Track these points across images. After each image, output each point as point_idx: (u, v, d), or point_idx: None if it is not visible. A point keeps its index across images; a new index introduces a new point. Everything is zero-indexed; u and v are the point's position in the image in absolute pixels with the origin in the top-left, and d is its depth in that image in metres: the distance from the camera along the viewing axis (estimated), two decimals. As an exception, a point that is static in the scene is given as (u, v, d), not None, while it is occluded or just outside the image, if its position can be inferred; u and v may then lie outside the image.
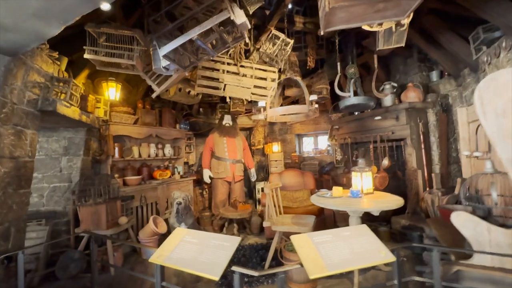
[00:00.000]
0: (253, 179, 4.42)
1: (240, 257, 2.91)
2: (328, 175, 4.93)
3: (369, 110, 3.52)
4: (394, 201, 2.23)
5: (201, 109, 5.17)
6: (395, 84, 3.28)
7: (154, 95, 2.57)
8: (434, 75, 3.32)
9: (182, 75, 2.46)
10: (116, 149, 3.48)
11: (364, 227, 1.55)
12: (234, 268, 1.33)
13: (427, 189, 2.99)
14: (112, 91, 3.00)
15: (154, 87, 2.43)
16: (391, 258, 1.34)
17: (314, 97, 2.28)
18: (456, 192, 2.70)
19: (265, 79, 3.00)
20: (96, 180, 2.87)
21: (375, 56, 2.64)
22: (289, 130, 5.62)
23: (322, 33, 1.73)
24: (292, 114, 2.47)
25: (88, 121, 2.70)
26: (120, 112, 3.41)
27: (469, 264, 1.47)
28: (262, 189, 5.12)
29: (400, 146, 3.46)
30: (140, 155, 3.87)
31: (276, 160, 5.22)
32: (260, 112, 3.42)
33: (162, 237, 3.30)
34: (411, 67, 3.48)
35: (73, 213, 2.81)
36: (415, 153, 3.03)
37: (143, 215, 3.47)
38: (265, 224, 2.77)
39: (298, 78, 2.51)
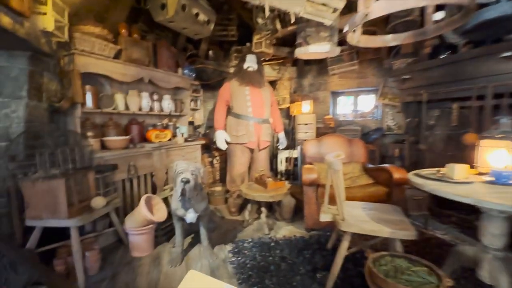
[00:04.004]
0: (282, 146, 3.33)
1: (276, 260, 1.93)
2: (373, 144, 3.84)
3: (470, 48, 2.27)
4: None
5: (210, 52, 3.88)
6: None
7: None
8: None
9: None
10: (89, 94, 2.32)
11: None
12: None
13: None
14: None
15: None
16: None
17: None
18: None
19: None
20: (50, 140, 1.76)
21: None
22: (323, 86, 4.38)
23: None
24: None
25: (21, 32, 1.50)
26: (91, 35, 2.17)
27: None
28: (287, 160, 4.07)
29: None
30: (127, 107, 2.71)
31: (306, 124, 4.08)
32: (306, 43, 2.18)
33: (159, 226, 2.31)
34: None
35: (15, 191, 1.76)
36: None
37: (134, 192, 2.44)
38: (323, 217, 1.73)
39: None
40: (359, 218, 1.66)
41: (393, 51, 3.44)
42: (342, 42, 3.11)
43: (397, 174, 2.31)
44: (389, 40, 1.54)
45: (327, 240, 2.22)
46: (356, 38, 1.48)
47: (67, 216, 1.65)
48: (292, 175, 4.02)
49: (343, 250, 1.60)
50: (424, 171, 1.64)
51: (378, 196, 2.35)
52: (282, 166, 4.08)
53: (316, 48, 2.03)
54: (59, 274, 1.76)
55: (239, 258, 1.98)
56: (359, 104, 4.41)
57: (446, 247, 2.14)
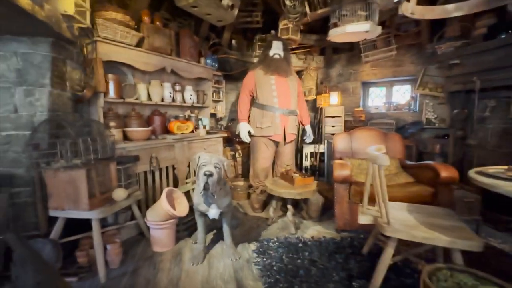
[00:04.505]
0: (309, 140, 3.11)
1: (305, 263, 1.76)
2: (409, 139, 3.49)
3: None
4: None
5: (233, 41, 3.73)
6: None
7: None
8: None
9: None
10: (111, 83, 2.26)
11: None
12: None
13: None
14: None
15: None
16: None
17: None
18: None
19: None
20: (73, 129, 1.70)
21: None
22: (353, 76, 4.07)
23: None
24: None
25: (41, 15, 1.43)
26: (113, 21, 2.09)
27: None
28: (312, 155, 3.84)
29: None
30: (149, 97, 2.64)
31: (333, 117, 3.82)
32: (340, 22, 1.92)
33: (180, 221, 2.22)
34: None
35: (39, 180, 1.73)
36: None
37: (155, 185, 2.38)
38: (363, 219, 1.52)
39: None
40: (406, 222, 1.42)
41: (436, 35, 3.06)
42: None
43: (445, 172, 2.02)
44: (451, 10, 1.26)
45: (361, 243, 1.99)
46: (411, 8, 1.23)
47: (88, 207, 1.59)
48: (318, 171, 3.79)
49: (387, 258, 1.38)
50: (490, 169, 1.37)
51: (422, 197, 2.07)
52: (307, 162, 3.87)
53: (355, 28, 1.78)
54: (82, 265, 1.72)
55: (265, 259, 1.83)
56: (393, 96, 4.04)
57: (505, 258, 1.84)
